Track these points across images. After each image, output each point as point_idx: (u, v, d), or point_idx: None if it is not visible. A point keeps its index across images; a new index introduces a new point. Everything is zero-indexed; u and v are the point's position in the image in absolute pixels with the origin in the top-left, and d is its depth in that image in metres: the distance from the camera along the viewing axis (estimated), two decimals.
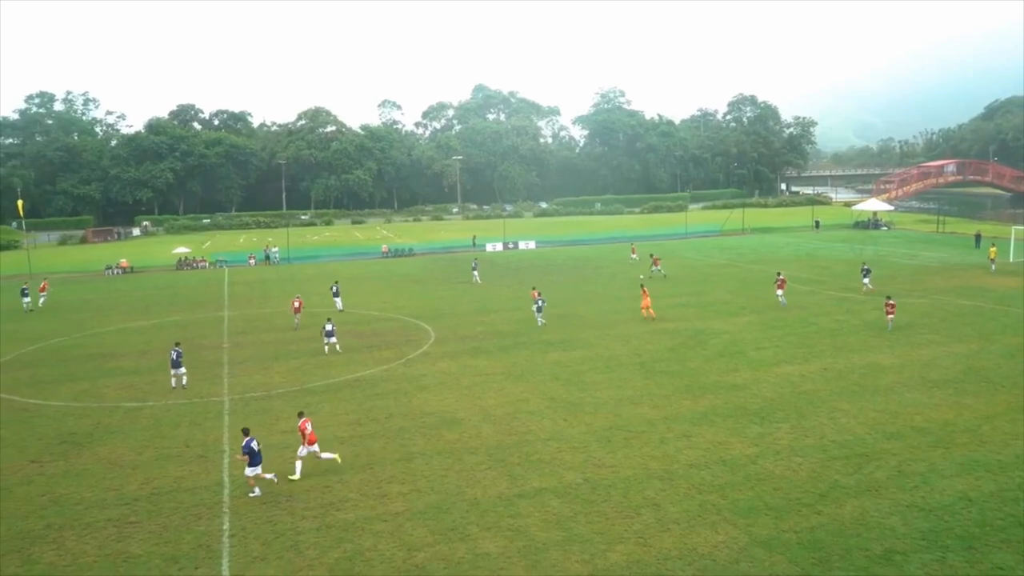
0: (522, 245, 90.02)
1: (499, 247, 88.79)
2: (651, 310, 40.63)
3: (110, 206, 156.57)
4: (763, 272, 56.50)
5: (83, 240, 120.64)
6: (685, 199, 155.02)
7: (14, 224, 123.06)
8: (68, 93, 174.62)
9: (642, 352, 33.40)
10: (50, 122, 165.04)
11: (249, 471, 19.44)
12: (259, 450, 19.59)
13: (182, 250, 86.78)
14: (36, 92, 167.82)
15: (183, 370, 29.85)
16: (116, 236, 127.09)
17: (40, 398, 29.27)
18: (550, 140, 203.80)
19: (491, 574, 15.15)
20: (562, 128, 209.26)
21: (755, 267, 61.02)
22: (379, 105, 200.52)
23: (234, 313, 47.45)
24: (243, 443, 19.58)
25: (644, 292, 41.63)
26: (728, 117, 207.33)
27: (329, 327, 35.36)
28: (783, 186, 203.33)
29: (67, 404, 28.30)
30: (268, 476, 19.90)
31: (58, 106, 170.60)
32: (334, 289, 47.31)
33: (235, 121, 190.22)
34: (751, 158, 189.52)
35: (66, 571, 15.93)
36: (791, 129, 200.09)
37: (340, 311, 44.79)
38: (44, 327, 45.12)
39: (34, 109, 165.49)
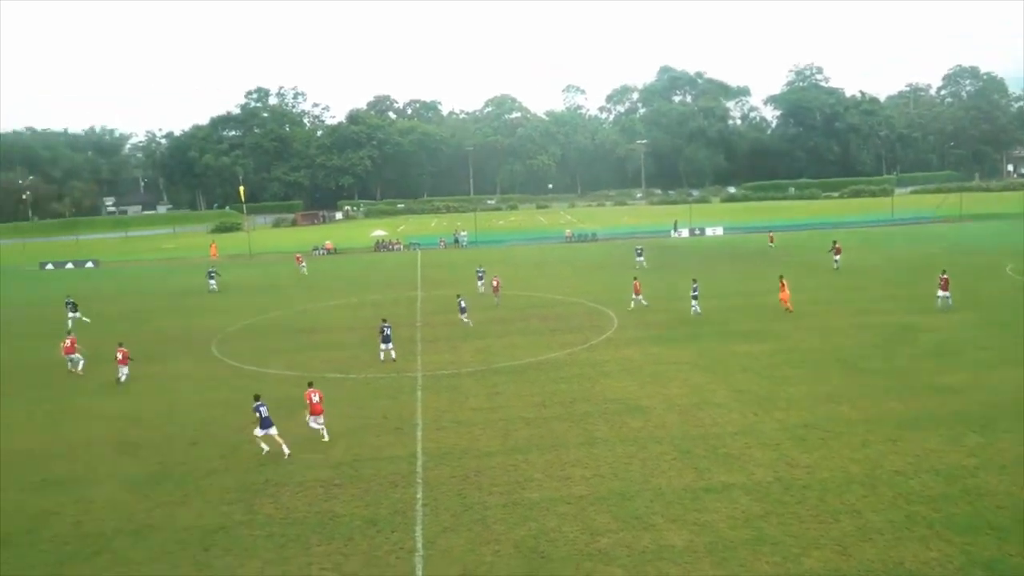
0: (708, 231, 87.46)
1: (684, 233, 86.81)
2: (789, 303, 38.12)
3: (316, 191, 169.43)
4: (986, 263, 51.13)
5: (293, 223, 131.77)
6: (891, 182, 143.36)
7: (227, 207, 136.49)
8: (280, 88, 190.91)
9: (842, 347, 31.32)
10: (266, 115, 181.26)
11: (258, 432, 21.54)
12: (267, 416, 21.63)
13: (379, 233, 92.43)
14: (254, 88, 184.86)
15: (391, 345, 31.73)
16: (321, 219, 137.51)
17: (258, 365, 32.33)
18: (739, 121, 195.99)
19: (676, 567, 14.89)
20: (752, 109, 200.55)
21: (974, 259, 55.34)
22: (563, 90, 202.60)
23: (426, 294, 49.85)
24: (253, 406, 21.88)
25: (783, 284, 39.08)
26: (943, 92, 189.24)
27: (463, 303, 38.92)
28: (1010, 167, 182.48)
29: (281, 372, 31.07)
30: (265, 446, 21.66)
31: (272, 100, 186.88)
32: (480, 272, 49.81)
33: (426, 110, 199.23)
34: (970, 136, 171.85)
35: (282, 523, 17.51)
36: (1021, 103, 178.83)
37: (480, 293, 47.35)
38: (264, 302, 49.78)
39: (252, 104, 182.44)
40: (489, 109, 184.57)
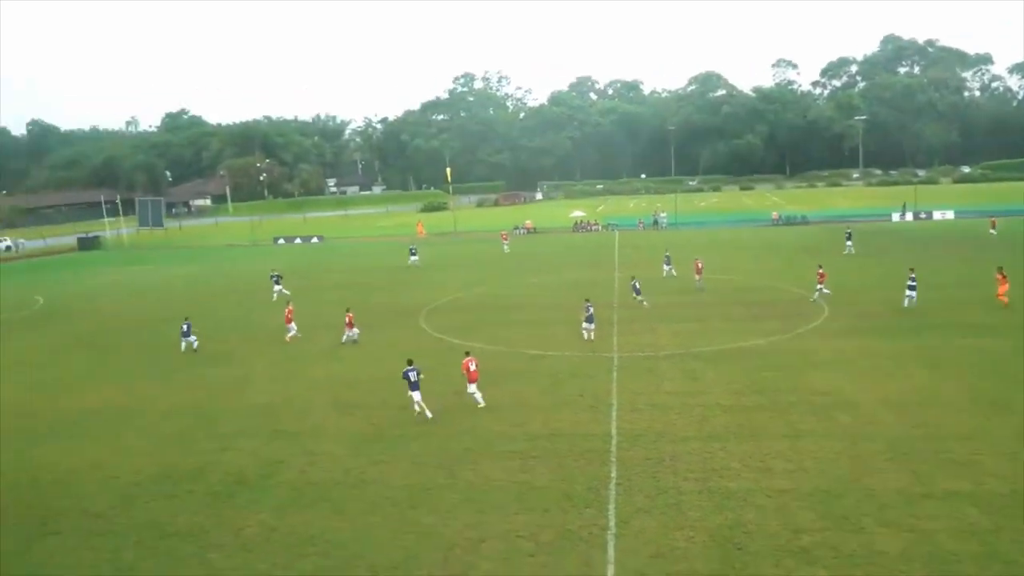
0: (936, 215, 79.63)
1: (908, 217, 79.71)
2: (1004, 297, 33.45)
3: (518, 172, 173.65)
4: None
5: (496, 203, 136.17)
6: None
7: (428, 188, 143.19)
8: (485, 73, 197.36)
9: None
10: (471, 99, 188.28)
11: (415, 395, 23.23)
12: (415, 380, 23.14)
13: (578, 214, 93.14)
14: (461, 74, 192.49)
15: (593, 325, 31.93)
16: (522, 199, 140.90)
17: (462, 339, 33.85)
18: (978, 93, 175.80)
19: (888, 574, 13.85)
20: (994, 79, 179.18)
21: None
22: (773, 65, 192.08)
23: (623, 274, 49.62)
24: (403, 371, 23.37)
25: (1001, 277, 34.12)
26: None
27: (637, 284, 39.41)
28: None
29: (483, 346, 32.33)
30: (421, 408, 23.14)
31: (477, 84, 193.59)
32: (667, 256, 48.79)
33: (628, 90, 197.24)
34: None
35: (481, 489, 18.32)
36: None
37: (664, 277, 46.93)
38: (468, 278, 52.05)
39: (459, 89, 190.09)
40: (693, 87, 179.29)
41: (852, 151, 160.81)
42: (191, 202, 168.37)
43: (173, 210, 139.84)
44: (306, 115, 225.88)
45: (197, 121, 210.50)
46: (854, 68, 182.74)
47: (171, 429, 24.02)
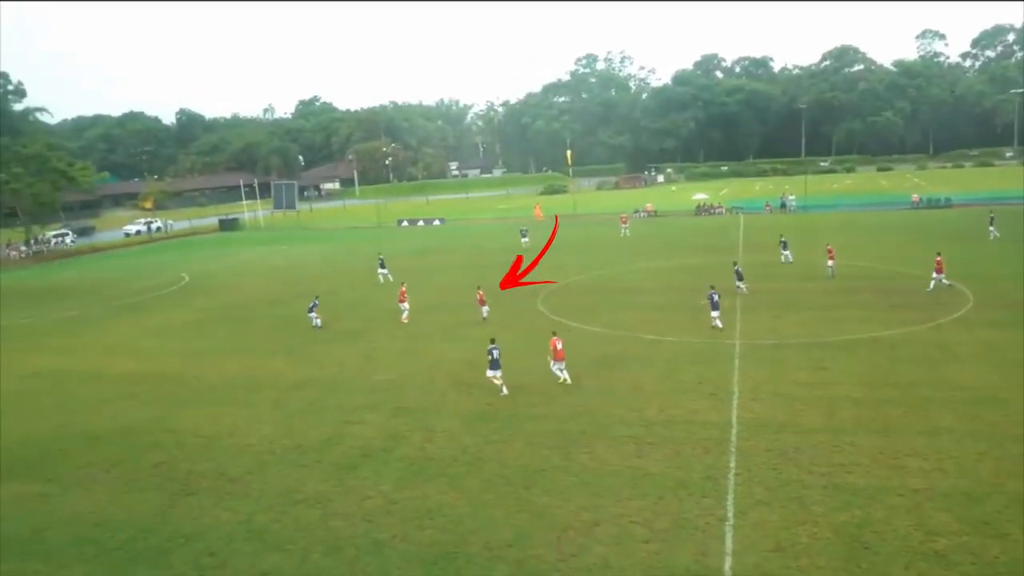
0: None
1: None
2: None
3: (639, 154, 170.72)
4: None
5: (616, 186, 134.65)
6: None
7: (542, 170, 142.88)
8: (608, 53, 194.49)
9: None
10: (593, 80, 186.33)
11: (489, 373, 24.15)
12: (497, 358, 24.05)
13: (700, 196, 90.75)
14: (583, 55, 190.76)
15: (719, 312, 30.88)
16: (643, 182, 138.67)
17: (579, 322, 33.79)
18: None
19: None
20: None
21: None
22: (917, 36, 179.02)
23: (747, 259, 47.96)
24: (488, 349, 24.41)
25: None
26: None
27: (739, 270, 37.89)
28: None
29: (601, 330, 32.16)
30: (499, 383, 24.08)
31: (600, 65, 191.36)
32: (783, 242, 46.92)
33: (756, 67, 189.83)
34: None
35: (596, 473, 18.27)
36: None
37: (783, 263, 45.40)
38: (586, 261, 51.83)
39: (581, 70, 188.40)
40: (827, 63, 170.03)
41: (1006, 128, 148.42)
42: (321, 185, 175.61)
43: (305, 193, 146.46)
44: (430, 100, 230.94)
45: (328, 107, 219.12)
46: (1011, 37, 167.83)
47: (301, 401, 25.28)
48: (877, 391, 22.71)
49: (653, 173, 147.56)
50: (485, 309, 35.40)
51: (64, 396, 27.61)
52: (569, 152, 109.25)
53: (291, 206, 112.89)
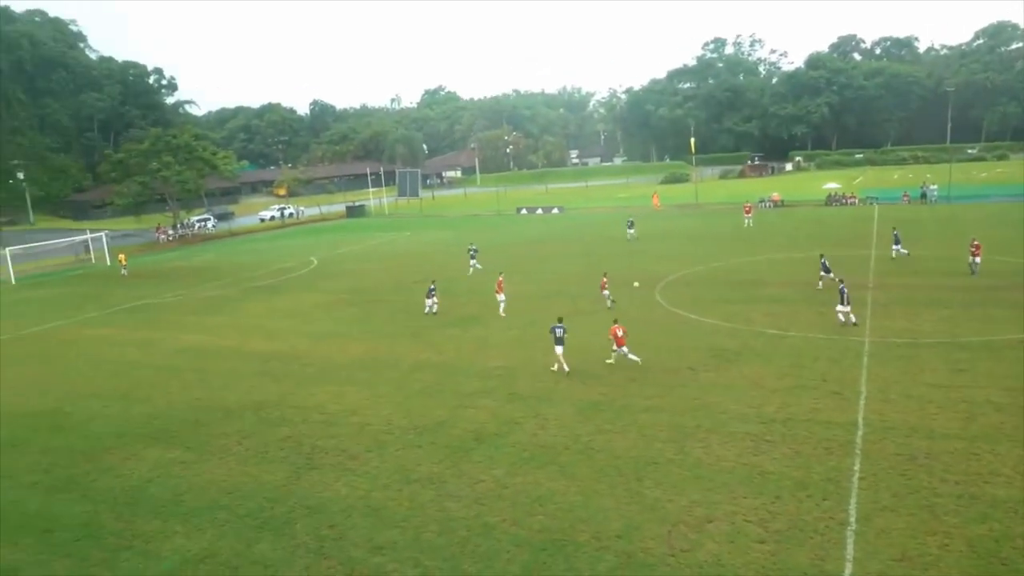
0: None
1: None
2: None
3: (766, 141, 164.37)
4: None
5: (741, 174, 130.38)
6: None
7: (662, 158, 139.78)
8: (737, 37, 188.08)
9: None
10: (720, 65, 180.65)
11: (557, 349, 25.50)
12: (562, 336, 25.48)
13: (832, 186, 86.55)
14: (711, 39, 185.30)
15: (849, 307, 29.36)
16: (770, 171, 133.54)
17: (697, 314, 33.04)
18: None
19: None
20: None
21: None
22: None
23: (881, 252, 45.44)
24: (551, 327, 25.86)
25: None
26: None
27: (826, 262, 36.33)
28: None
29: (719, 323, 31.33)
30: (561, 364, 25.44)
31: (728, 50, 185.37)
32: (895, 235, 43.60)
33: (899, 48, 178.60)
34: None
35: (710, 468, 17.87)
36: None
37: (893, 258, 42.59)
38: (707, 251, 50.61)
39: (708, 55, 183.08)
40: (980, 41, 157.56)
41: None
42: (443, 173, 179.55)
43: (427, 181, 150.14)
44: (552, 88, 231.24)
45: (452, 96, 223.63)
46: None
47: (419, 384, 26.04)
48: (1022, 396, 21.02)
49: (781, 161, 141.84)
50: (606, 294, 35.43)
51: (204, 371, 29.62)
52: (693, 140, 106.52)
53: (414, 193, 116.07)
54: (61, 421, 25.01)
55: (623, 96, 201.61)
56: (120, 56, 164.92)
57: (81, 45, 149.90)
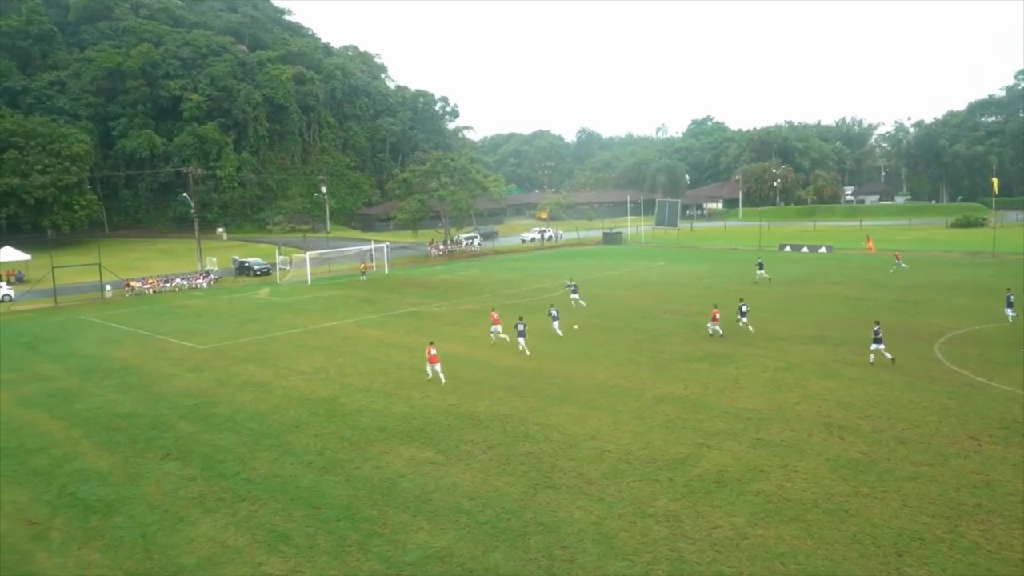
0: None
1: None
2: None
3: None
4: None
5: None
6: None
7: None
8: None
9: None
10: None
11: (520, 340, 32.34)
12: (523, 330, 32.92)
13: None
14: (1021, 69, 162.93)
15: None
16: None
17: (985, 377, 29.04)
18: None
19: None
20: None
21: None
22: None
23: None
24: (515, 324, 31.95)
25: None
26: None
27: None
28: None
29: (1013, 390, 27.27)
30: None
31: None
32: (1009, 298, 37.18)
33: None
34: None
35: (988, 555, 15.53)
36: None
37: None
38: (1000, 305, 44.40)
39: (1020, 85, 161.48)
40: None
41: None
42: (704, 204, 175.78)
43: (688, 212, 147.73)
44: (829, 119, 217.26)
45: (719, 127, 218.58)
46: None
47: (661, 416, 25.55)
48: None
49: None
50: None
51: (457, 379, 31.46)
52: (995, 179, 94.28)
53: (672, 223, 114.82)
54: (336, 409, 27.94)
55: (912, 130, 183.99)
56: (413, 85, 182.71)
57: (382, 76, 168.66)
